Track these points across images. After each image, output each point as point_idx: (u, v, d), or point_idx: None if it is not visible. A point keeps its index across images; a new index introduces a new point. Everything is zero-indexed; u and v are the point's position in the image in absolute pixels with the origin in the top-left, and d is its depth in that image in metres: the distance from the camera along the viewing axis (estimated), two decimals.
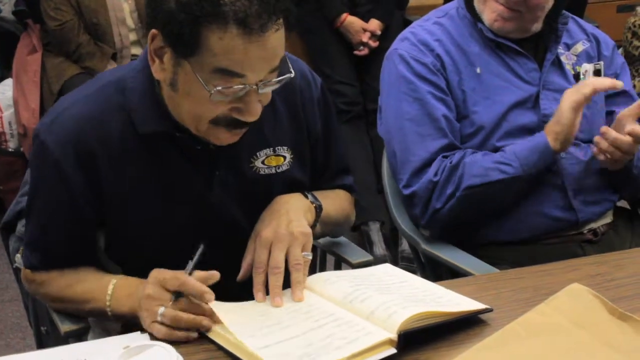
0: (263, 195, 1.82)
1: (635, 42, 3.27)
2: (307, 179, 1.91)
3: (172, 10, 1.53)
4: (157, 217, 1.76)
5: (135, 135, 1.70)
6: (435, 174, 2.17)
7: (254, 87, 1.59)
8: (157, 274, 1.60)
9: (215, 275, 1.59)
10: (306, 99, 1.87)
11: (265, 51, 1.56)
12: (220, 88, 1.56)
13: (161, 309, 1.55)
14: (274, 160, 1.82)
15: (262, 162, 1.81)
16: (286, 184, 1.85)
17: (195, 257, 1.63)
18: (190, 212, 1.77)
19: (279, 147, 1.83)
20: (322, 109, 1.91)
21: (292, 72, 1.65)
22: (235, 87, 1.57)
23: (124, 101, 1.70)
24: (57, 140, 1.69)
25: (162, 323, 1.57)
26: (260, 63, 1.56)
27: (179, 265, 1.75)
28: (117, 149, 1.70)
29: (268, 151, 1.81)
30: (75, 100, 1.74)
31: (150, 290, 1.58)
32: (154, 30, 1.59)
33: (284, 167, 1.84)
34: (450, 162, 2.16)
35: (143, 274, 1.72)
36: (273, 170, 1.82)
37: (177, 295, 1.56)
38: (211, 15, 1.51)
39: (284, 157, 1.84)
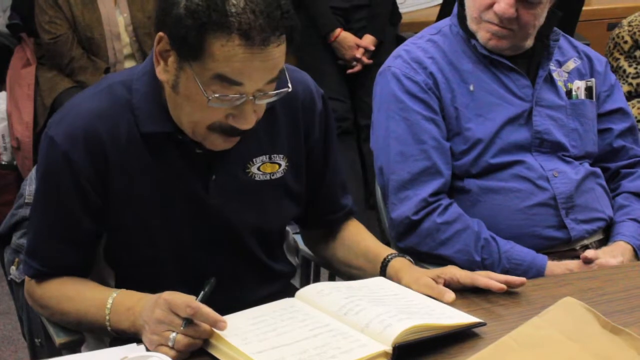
0: (257, 201, 1.85)
1: (616, 54, 3.29)
2: (302, 188, 1.93)
3: (180, 15, 1.58)
4: (155, 216, 1.78)
5: (138, 134, 1.74)
6: (415, 213, 2.20)
7: (251, 97, 1.63)
8: (168, 297, 1.60)
9: (222, 326, 1.59)
10: (307, 109, 1.90)
11: (265, 64, 1.60)
12: (218, 95, 1.60)
13: (173, 335, 1.56)
14: (269, 167, 1.86)
15: (258, 169, 1.84)
16: (279, 191, 1.88)
17: (206, 288, 1.66)
18: (188, 214, 1.79)
19: (275, 155, 1.86)
20: (323, 121, 1.94)
21: (290, 87, 1.69)
22: (233, 95, 1.61)
23: (130, 100, 1.74)
24: (66, 133, 1.72)
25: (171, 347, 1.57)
26: (258, 74, 1.61)
27: (175, 271, 1.79)
28: (124, 143, 1.73)
29: (264, 158, 1.85)
30: (83, 99, 1.78)
31: (160, 315, 1.59)
32: (160, 33, 1.64)
33: (278, 175, 1.87)
34: (439, 217, 2.20)
35: (137, 280, 1.74)
36: (267, 177, 1.85)
37: (188, 321, 1.57)
38: (217, 24, 1.56)
39: (279, 165, 1.87)
